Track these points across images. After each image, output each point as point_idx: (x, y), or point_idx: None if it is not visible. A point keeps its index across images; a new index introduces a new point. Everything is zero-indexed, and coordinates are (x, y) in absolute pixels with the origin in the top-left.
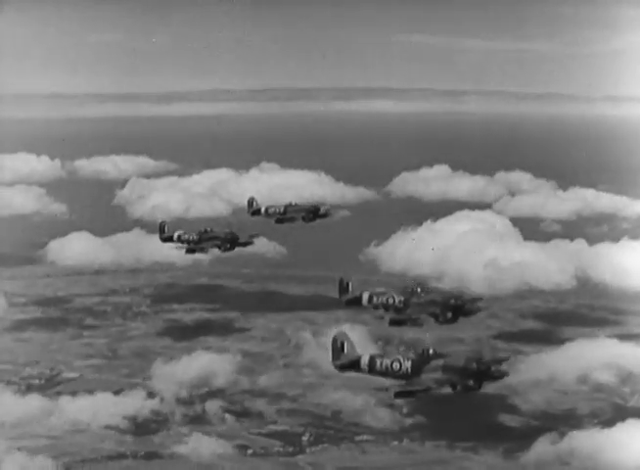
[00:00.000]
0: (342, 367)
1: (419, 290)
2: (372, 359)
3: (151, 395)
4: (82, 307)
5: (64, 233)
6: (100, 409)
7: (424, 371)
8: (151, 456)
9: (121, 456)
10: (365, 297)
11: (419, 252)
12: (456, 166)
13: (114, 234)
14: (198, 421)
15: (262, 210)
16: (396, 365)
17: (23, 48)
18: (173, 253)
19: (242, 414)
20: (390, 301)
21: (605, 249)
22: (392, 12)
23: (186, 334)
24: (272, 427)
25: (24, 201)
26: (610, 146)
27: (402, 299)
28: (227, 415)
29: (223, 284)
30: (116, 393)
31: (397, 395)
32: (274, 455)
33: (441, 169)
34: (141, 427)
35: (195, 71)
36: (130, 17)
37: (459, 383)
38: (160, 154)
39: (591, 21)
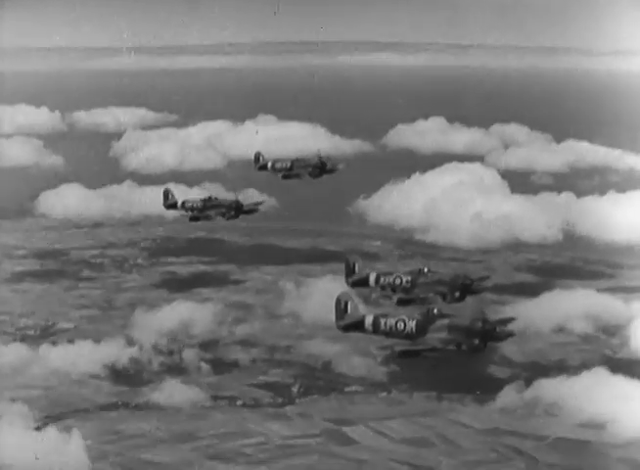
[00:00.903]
0: (346, 328)
1: (426, 270)
2: (376, 319)
3: (130, 343)
4: (79, 260)
5: (57, 185)
6: (79, 358)
7: (429, 331)
8: (127, 405)
9: (101, 405)
10: (372, 278)
11: (407, 204)
12: (453, 119)
13: (107, 186)
14: (174, 370)
15: (269, 165)
16: (401, 325)
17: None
18: (162, 206)
19: (217, 363)
20: (398, 281)
21: (591, 202)
22: None
23: (181, 286)
24: (262, 378)
25: (22, 153)
26: (612, 100)
27: (410, 279)
28: (203, 364)
29: (220, 237)
30: (97, 341)
31: (402, 354)
32: (264, 406)
33: (437, 122)
34: (120, 375)
35: (199, 25)
36: None
37: (464, 342)
38: (160, 106)
39: None
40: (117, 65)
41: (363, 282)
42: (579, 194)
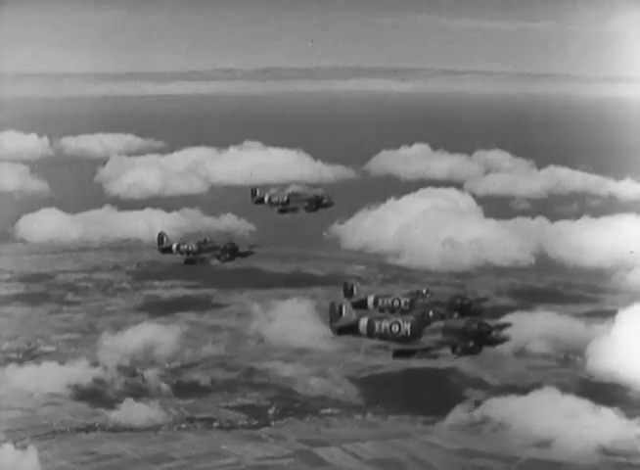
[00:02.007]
0: (340, 330)
1: (424, 291)
2: (370, 322)
3: (95, 364)
4: (64, 283)
5: (37, 210)
6: (44, 378)
7: (424, 333)
8: (104, 427)
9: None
10: (370, 300)
11: (380, 229)
12: (438, 145)
13: (85, 211)
14: (135, 390)
15: (265, 198)
16: (396, 328)
17: (15, 28)
18: (140, 230)
19: (178, 384)
20: (396, 303)
21: (564, 227)
22: None
23: (163, 310)
24: (240, 400)
25: (7, 178)
26: (600, 126)
27: (408, 300)
28: (163, 384)
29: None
30: (62, 362)
31: (396, 354)
32: (239, 428)
33: (421, 148)
34: (84, 395)
35: (192, 51)
36: None
37: (459, 345)
38: (148, 132)
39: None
40: (106, 91)
41: (362, 304)
42: (556, 219)
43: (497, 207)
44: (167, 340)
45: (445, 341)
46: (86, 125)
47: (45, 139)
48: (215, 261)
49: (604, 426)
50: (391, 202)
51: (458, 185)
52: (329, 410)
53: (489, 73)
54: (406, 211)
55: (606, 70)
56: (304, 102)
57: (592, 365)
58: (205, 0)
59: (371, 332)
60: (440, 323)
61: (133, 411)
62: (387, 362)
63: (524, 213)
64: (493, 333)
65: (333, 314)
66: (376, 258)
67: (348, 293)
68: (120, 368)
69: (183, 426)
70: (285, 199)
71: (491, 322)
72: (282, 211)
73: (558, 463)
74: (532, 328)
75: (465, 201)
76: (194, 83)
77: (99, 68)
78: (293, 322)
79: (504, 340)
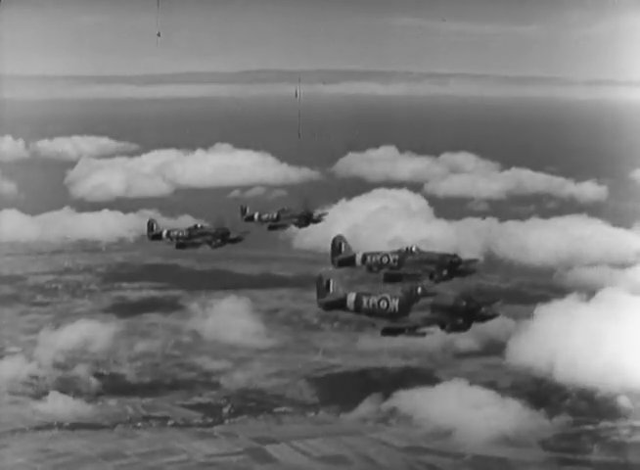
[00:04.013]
0: (328, 306)
1: (414, 249)
2: (358, 298)
3: (30, 359)
4: (35, 285)
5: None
6: (4, 377)
7: (412, 310)
8: (61, 425)
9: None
10: (359, 257)
11: (331, 229)
12: (406, 148)
13: (45, 212)
14: (66, 384)
15: (255, 216)
16: (384, 304)
17: None
18: (98, 231)
19: (108, 379)
20: (385, 260)
21: (513, 227)
22: None
23: (130, 311)
24: (196, 399)
25: None
26: (574, 129)
27: (397, 257)
28: (92, 379)
29: (176, 263)
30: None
31: (385, 332)
32: (193, 426)
33: (388, 150)
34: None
35: (175, 54)
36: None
37: (448, 322)
38: (123, 135)
39: (574, 3)
40: (85, 94)
41: (349, 261)
42: (509, 219)
43: (453, 208)
44: (102, 337)
45: (434, 318)
46: (63, 128)
47: (20, 142)
48: (206, 246)
49: (508, 416)
50: (343, 203)
51: (418, 186)
52: (283, 408)
53: (474, 77)
54: (356, 212)
55: (590, 73)
56: (282, 105)
57: (511, 359)
58: (186, 3)
59: (358, 308)
60: (429, 300)
61: (59, 404)
62: (343, 362)
63: (479, 214)
64: (482, 309)
65: (320, 289)
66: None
67: (336, 250)
68: (55, 364)
69: (139, 424)
70: (274, 216)
71: (480, 298)
72: (272, 228)
73: (503, 459)
74: None
75: (416, 202)
76: (175, 86)
77: (79, 71)
78: (230, 320)
79: (493, 316)
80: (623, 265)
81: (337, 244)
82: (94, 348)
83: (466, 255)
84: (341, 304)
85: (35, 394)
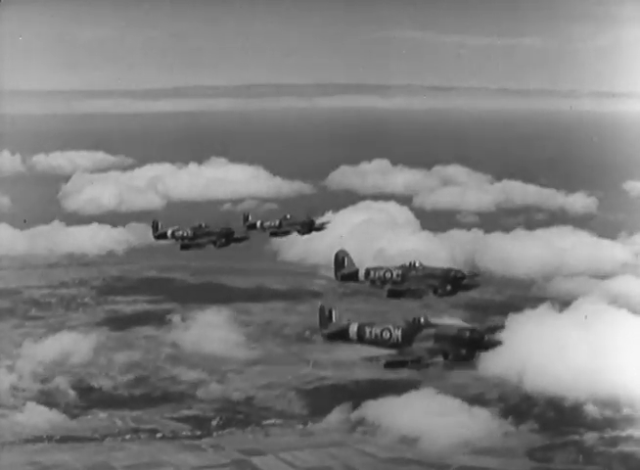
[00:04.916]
0: (331, 337)
1: (417, 264)
2: (361, 328)
3: (11, 371)
4: (30, 299)
5: None
6: None
7: (415, 340)
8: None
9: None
10: (362, 272)
11: (315, 241)
12: (398, 161)
13: (35, 226)
14: (44, 395)
15: (258, 223)
16: (386, 334)
17: None
18: (86, 245)
19: (86, 390)
20: (388, 275)
21: (497, 238)
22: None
23: (123, 324)
24: (185, 412)
25: None
26: (569, 141)
27: (400, 272)
28: (70, 391)
29: (171, 277)
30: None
31: (387, 365)
32: (182, 438)
33: (380, 163)
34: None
35: (174, 68)
36: (108, 14)
37: (451, 352)
38: (120, 149)
39: (575, 16)
40: (85, 108)
41: (353, 276)
42: (495, 231)
43: (442, 220)
44: (82, 348)
45: (437, 348)
46: (60, 143)
47: (17, 156)
48: (211, 246)
49: (474, 424)
50: (328, 215)
51: (407, 199)
52: (272, 421)
53: (474, 89)
54: (341, 225)
55: (592, 85)
56: (280, 118)
57: (482, 368)
58: (186, 17)
59: (361, 338)
60: (432, 330)
61: (35, 415)
62: (332, 374)
63: (467, 226)
64: (486, 337)
65: (323, 319)
66: (311, 270)
67: (340, 265)
68: (34, 375)
69: (127, 437)
70: (277, 223)
71: (483, 326)
72: (274, 234)
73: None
74: None
75: (403, 214)
76: (173, 100)
77: (76, 85)
78: (210, 332)
79: (497, 344)
80: (605, 276)
81: (340, 258)
82: (74, 360)
83: (449, 266)
84: (343, 334)
85: (15, 406)
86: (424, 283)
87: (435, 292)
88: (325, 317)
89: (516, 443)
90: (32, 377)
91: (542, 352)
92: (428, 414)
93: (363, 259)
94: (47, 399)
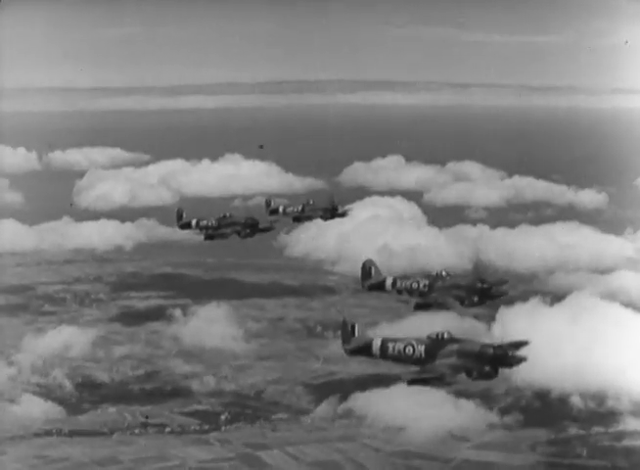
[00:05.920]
0: (353, 352)
1: (444, 273)
2: (384, 344)
3: (10, 364)
4: (44, 295)
5: None
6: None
7: (438, 356)
8: (60, 432)
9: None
10: (389, 281)
11: (321, 237)
12: (412, 157)
13: (44, 222)
14: (42, 388)
15: (280, 209)
16: (409, 350)
17: (11, 43)
18: (95, 240)
19: (83, 383)
20: (415, 285)
21: (502, 234)
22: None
23: (136, 320)
24: (195, 406)
25: None
26: (585, 137)
27: (427, 283)
28: (68, 383)
29: (184, 273)
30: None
31: (410, 382)
32: (190, 433)
33: (394, 159)
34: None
35: (195, 65)
36: (128, 12)
37: (475, 369)
38: (137, 146)
39: (593, 12)
40: (103, 105)
41: (380, 286)
42: (502, 226)
43: (451, 216)
44: (82, 342)
45: (460, 365)
46: (76, 140)
47: (34, 153)
48: (235, 236)
49: (459, 416)
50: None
51: (418, 195)
52: (280, 415)
53: (493, 86)
54: (347, 220)
55: (611, 82)
56: (298, 114)
57: None
58: (206, 15)
59: (384, 353)
60: (455, 346)
61: (32, 407)
62: (341, 369)
63: (476, 222)
64: (509, 354)
65: (345, 334)
66: (317, 266)
67: (366, 274)
68: (33, 368)
69: (136, 431)
70: (300, 208)
71: (506, 344)
72: (296, 219)
73: (491, 464)
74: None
75: (409, 209)
76: (191, 97)
77: (95, 83)
78: (208, 326)
79: (520, 361)
80: (606, 271)
81: (367, 268)
82: (73, 353)
83: (454, 262)
84: (366, 349)
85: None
86: (451, 294)
87: (463, 303)
88: (347, 332)
89: (519, 437)
90: (36, 371)
91: (532, 345)
92: (414, 406)
93: (367, 254)
94: (55, 393)
